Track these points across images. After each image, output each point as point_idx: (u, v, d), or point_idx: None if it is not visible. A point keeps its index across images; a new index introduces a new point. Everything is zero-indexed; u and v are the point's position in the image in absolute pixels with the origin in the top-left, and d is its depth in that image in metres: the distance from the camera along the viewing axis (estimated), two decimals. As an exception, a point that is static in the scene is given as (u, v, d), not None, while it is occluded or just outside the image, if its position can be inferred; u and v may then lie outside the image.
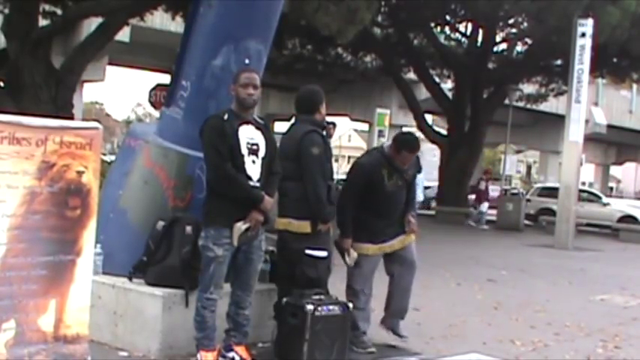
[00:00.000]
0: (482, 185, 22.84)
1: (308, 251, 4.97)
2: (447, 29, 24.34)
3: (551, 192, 22.46)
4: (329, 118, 5.70)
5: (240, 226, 4.47)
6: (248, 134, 4.55)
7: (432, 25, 22.94)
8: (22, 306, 3.60)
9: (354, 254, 5.50)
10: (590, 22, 16.66)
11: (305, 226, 4.99)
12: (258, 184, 4.53)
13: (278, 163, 4.74)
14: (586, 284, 10.58)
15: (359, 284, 5.57)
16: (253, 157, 4.52)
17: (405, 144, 5.56)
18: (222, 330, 4.76)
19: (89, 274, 3.83)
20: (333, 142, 14.30)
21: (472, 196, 25.08)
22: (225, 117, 4.52)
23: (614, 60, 21.84)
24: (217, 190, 4.57)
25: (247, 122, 4.57)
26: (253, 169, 4.52)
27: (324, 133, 5.30)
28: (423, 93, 26.53)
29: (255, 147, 4.54)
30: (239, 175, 4.48)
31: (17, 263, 3.56)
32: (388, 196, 5.57)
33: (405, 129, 23.00)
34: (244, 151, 4.50)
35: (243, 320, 4.75)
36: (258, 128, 4.61)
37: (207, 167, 4.64)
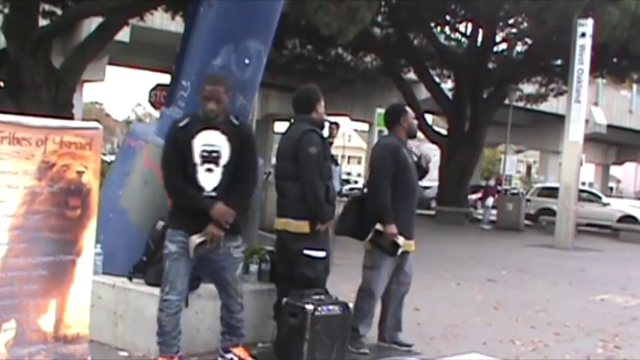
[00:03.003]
0: (492, 182, 23.19)
1: (306, 252, 4.96)
2: (447, 29, 24.34)
3: (551, 192, 22.49)
4: (331, 118, 5.70)
5: (195, 239, 4.35)
6: (207, 141, 4.36)
7: (432, 25, 22.94)
8: (23, 306, 3.60)
9: (402, 239, 5.33)
10: (590, 22, 16.67)
11: (303, 226, 4.99)
12: (213, 194, 4.35)
13: (251, 171, 4.54)
14: (586, 284, 10.58)
15: (379, 288, 5.52)
16: (210, 166, 4.34)
17: (401, 109, 5.71)
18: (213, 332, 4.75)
19: (89, 274, 3.83)
20: (337, 142, 14.28)
21: (472, 196, 25.14)
22: (182, 124, 4.42)
23: (614, 60, 21.85)
24: (171, 198, 4.56)
25: (211, 127, 4.37)
26: (208, 178, 4.36)
27: (326, 132, 5.30)
28: (423, 93, 26.53)
29: (214, 154, 4.35)
30: (188, 185, 4.37)
31: (18, 263, 3.56)
32: (413, 176, 5.56)
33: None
34: (197, 159, 4.34)
35: (237, 323, 4.70)
36: (224, 133, 4.39)
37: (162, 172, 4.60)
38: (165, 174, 4.48)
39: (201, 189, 4.34)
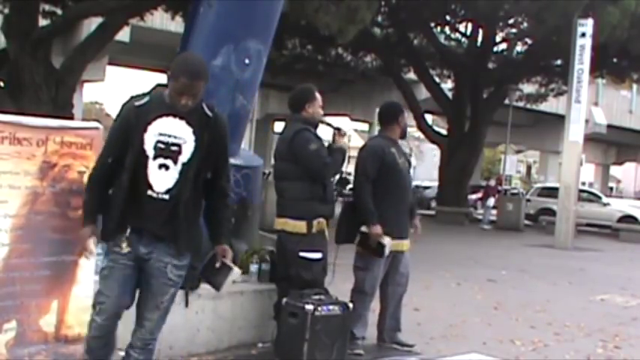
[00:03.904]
0: (492, 182, 23.28)
1: (302, 253, 4.95)
2: (447, 29, 24.34)
3: (551, 192, 22.50)
4: (332, 120, 5.67)
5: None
6: (166, 130, 3.44)
7: (432, 25, 22.94)
8: (25, 306, 3.61)
9: (387, 239, 5.31)
10: (590, 22, 16.68)
11: (301, 226, 4.98)
12: (165, 197, 3.43)
13: (225, 177, 3.67)
14: (586, 284, 10.58)
15: (371, 288, 5.52)
16: (165, 161, 3.42)
17: (399, 108, 5.72)
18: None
19: (91, 274, 3.83)
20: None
21: (472, 196, 25.17)
22: (140, 102, 3.48)
23: (614, 60, 21.86)
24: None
25: (175, 115, 3.44)
26: (160, 176, 3.42)
27: (325, 134, 5.27)
28: (423, 93, 26.54)
29: (173, 148, 3.43)
30: (111, 181, 3.49)
31: (20, 264, 3.56)
32: (403, 176, 5.55)
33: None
34: (149, 151, 3.41)
35: None
36: (191, 125, 3.47)
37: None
38: (98, 157, 3.61)
39: (149, 187, 3.43)
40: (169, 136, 3.45)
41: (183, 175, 3.46)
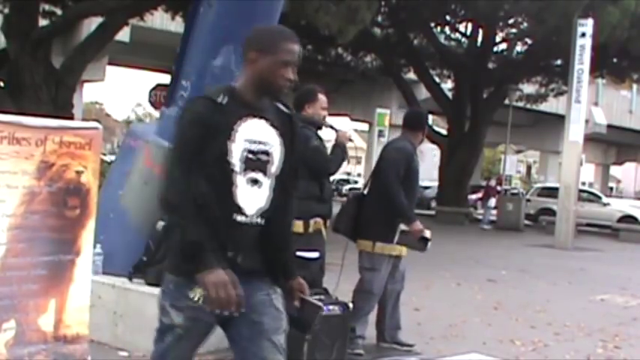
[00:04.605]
0: (493, 183, 23.34)
1: (299, 253, 4.95)
2: (447, 29, 24.37)
3: (551, 192, 22.52)
4: (332, 121, 5.67)
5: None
6: (252, 135, 2.64)
7: (432, 25, 22.95)
8: (22, 306, 3.60)
9: (429, 232, 5.42)
10: (590, 22, 16.68)
11: (298, 226, 4.98)
12: (259, 220, 2.66)
13: (294, 190, 2.92)
14: (586, 284, 10.58)
15: (378, 288, 5.53)
16: (256, 175, 2.65)
17: (426, 117, 5.91)
18: None
19: (88, 273, 3.83)
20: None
21: (472, 196, 25.19)
22: (220, 99, 2.61)
23: (614, 60, 21.87)
24: (169, 217, 2.82)
25: (256, 115, 2.66)
26: (252, 194, 2.64)
27: (327, 135, 5.29)
28: (423, 93, 26.56)
29: (263, 158, 2.66)
30: (207, 209, 2.54)
31: (17, 263, 3.56)
32: (417, 183, 5.67)
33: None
34: (237, 164, 2.60)
35: None
36: (274, 126, 2.71)
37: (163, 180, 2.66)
38: (171, 176, 2.58)
39: (239, 210, 2.61)
40: (258, 141, 2.66)
41: (276, 190, 2.72)
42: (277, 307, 2.71)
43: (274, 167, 2.70)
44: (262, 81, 2.66)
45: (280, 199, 2.73)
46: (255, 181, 2.65)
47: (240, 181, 2.61)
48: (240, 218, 2.61)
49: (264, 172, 2.67)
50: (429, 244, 5.44)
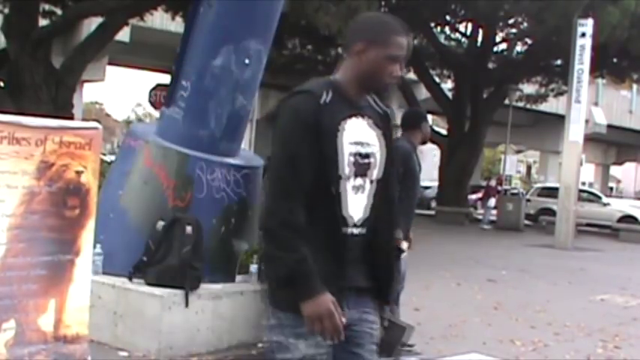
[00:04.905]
0: (493, 183, 23.37)
1: None
2: (447, 29, 24.36)
3: (551, 192, 22.52)
4: None
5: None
6: (357, 136, 2.37)
7: (432, 25, 22.94)
8: (22, 306, 3.60)
9: (405, 245, 5.34)
10: (590, 22, 16.68)
11: None
12: (360, 231, 2.37)
13: (396, 186, 2.63)
14: (586, 284, 10.58)
15: None
16: (361, 181, 2.37)
17: (423, 115, 5.88)
18: None
19: (88, 273, 3.83)
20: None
21: (472, 196, 25.20)
22: (324, 98, 2.32)
23: (614, 60, 21.87)
24: (268, 247, 2.36)
25: (358, 114, 2.40)
26: (356, 203, 2.37)
27: None
28: (423, 93, 26.55)
29: (367, 161, 2.39)
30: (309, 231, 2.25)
31: (17, 263, 3.56)
32: (418, 183, 5.66)
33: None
34: (346, 168, 2.33)
35: None
36: (377, 126, 2.44)
37: (266, 192, 2.42)
38: (277, 194, 2.28)
39: (344, 222, 2.34)
40: (362, 142, 2.38)
41: (377, 195, 2.42)
42: (374, 340, 2.46)
43: (376, 171, 2.41)
44: (368, 75, 2.37)
45: (381, 207, 2.43)
46: (360, 188, 2.37)
47: (348, 189, 2.34)
48: (347, 230, 2.34)
49: (368, 178, 2.39)
50: (403, 255, 5.35)
